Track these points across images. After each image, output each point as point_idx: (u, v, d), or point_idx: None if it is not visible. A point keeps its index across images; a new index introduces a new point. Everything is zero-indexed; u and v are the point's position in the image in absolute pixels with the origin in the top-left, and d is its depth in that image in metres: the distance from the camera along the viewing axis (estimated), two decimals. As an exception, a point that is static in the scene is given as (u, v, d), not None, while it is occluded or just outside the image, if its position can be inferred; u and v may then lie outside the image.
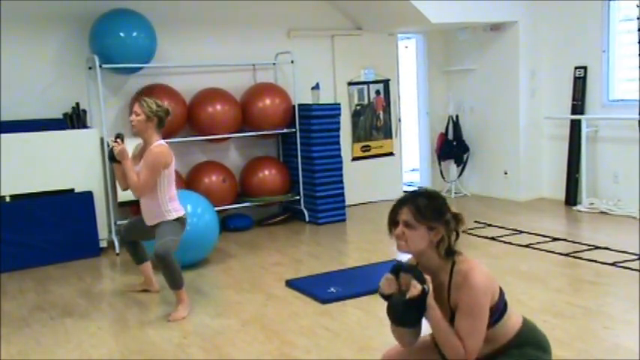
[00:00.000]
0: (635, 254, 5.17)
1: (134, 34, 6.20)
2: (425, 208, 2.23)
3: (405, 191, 1.99)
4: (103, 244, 6.11)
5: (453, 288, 2.23)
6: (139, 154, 4.38)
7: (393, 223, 2.31)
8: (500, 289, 2.31)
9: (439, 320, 2.19)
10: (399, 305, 2.21)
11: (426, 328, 2.33)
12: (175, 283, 4.33)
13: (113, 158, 4.34)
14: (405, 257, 2.40)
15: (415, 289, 2.15)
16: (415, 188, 2.34)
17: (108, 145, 4.28)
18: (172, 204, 4.35)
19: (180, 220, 4.40)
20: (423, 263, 2.30)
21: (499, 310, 2.27)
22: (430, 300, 2.17)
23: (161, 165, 4.25)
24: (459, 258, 2.26)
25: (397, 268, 2.27)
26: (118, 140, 4.29)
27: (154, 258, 4.32)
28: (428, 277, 2.21)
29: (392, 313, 2.25)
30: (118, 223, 6.30)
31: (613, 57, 6.97)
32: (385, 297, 2.27)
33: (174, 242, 4.31)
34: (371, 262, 5.39)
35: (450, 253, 2.26)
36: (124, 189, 4.48)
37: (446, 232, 2.24)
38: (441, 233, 2.24)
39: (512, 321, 2.33)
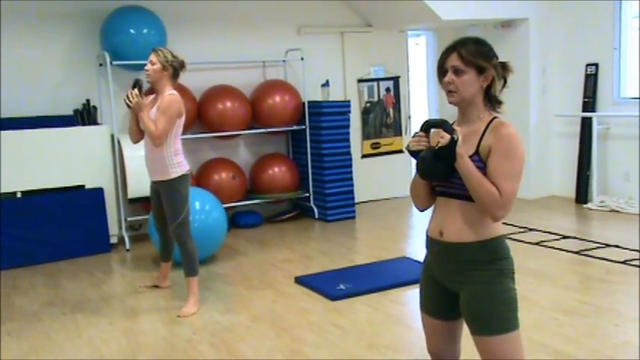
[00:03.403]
0: (646, 252, 5.16)
1: (144, 30, 6.22)
2: (474, 51, 2.18)
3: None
4: (114, 240, 6.14)
5: (487, 133, 2.18)
6: (151, 105, 4.32)
7: (441, 71, 2.25)
8: None
9: (470, 167, 2.12)
10: (428, 156, 2.15)
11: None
12: (191, 268, 4.35)
13: (130, 106, 4.28)
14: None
15: (444, 138, 2.10)
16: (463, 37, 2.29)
17: (127, 98, 4.19)
18: (177, 158, 4.30)
19: (184, 178, 4.33)
20: (468, 114, 2.25)
21: None
22: (459, 149, 2.11)
23: (175, 112, 4.21)
24: (498, 118, 2.22)
25: (427, 125, 2.22)
26: (135, 90, 4.23)
27: (174, 238, 4.37)
28: (457, 128, 2.16)
29: (422, 165, 2.19)
30: (129, 219, 6.33)
31: (625, 54, 6.93)
32: (413, 153, 2.22)
33: (187, 214, 4.31)
34: (380, 259, 5.39)
35: (496, 102, 2.23)
36: (135, 141, 4.44)
37: (495, 75, 2.19)
38: (490, 77, 2.19)
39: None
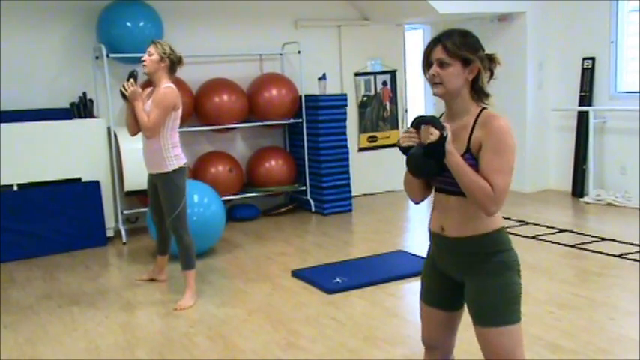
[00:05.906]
0: (642, 246, 5.17)
1: (141, 23, 6.20)
2: (459, 44, 2.16)
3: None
4: (110, 233, 6.13)
5: (476, 127, 2.16)
6: (147, 97, 4.32)
7: (426, 64, 2.23)
8: None
9: (460, 164, 2.10)
10: (418, 154, 2.14)
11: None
12: (187, 262, 4.36)
13: (125, 97, 4.28)
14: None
15: (433, 135, 2.08)
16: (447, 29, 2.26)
17: (123, 88, 4.22)
18: (174, 150, 4.29)
19: (181, 171, 4.32)
20: (455, 107, 2.23)
21: None
22: (449, 146, 2.09)
23: (170, 105, 4.19)
24: (487, 109, 2.20)
25: (417, 121, 2.20)
26: (131, 80, 4.25)
27: (171, 231, 4.39)
28: (447, 125, 2.13)
29: (411, 162, 2.17)
30: (125, 212, 6.33)
31: (621, 48, 6.93)
32: (404, 150, 2.20)
33: (183, 208, 4.31)
34: (376, 253, 5.40)
35: (483, 94, 2.21)
36: (133, 134, 4.42)
37: (481, 67, 2.17)
38: (476, 69, 2.17)
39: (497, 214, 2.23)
